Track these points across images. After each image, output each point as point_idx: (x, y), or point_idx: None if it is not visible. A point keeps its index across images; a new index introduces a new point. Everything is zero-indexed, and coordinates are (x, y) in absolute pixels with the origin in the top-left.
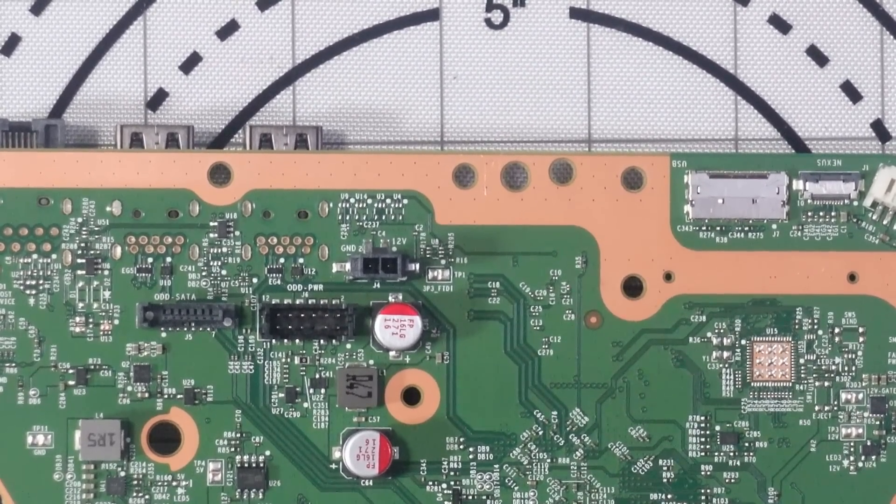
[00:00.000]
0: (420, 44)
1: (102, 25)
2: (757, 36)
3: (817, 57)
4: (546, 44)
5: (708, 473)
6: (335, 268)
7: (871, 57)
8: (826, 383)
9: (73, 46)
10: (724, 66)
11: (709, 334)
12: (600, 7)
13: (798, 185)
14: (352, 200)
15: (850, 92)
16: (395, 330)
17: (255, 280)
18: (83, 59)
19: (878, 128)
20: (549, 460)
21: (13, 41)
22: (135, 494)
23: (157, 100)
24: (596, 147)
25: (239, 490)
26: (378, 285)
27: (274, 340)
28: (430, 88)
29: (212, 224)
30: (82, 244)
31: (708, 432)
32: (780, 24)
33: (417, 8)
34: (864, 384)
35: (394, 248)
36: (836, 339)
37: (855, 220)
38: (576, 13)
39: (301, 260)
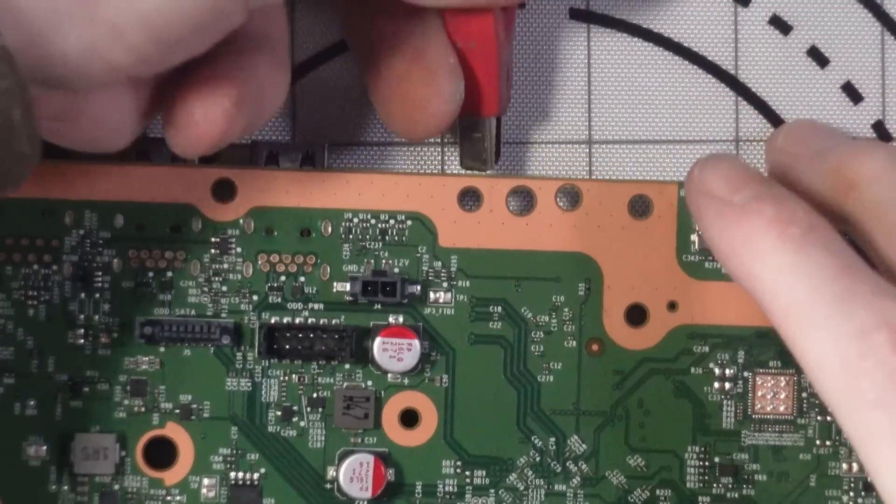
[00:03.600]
0: None
1: None
2: (757, 37)
3: (818, 58)
4: (546, 45)
5: None
6: (336, 287)
7: (871, 58)
8: (828, 418)
9: None
10: (724, 67)
11: (711, 365)
12: (600, 8)
13: None
14: (355, 220)
15: (851, 93)
16: (393, 353)
17: (255, 297)
18: None
19: (880, 129)
20: (545, 487)
21: None
22: None
23: None
24: (596, 147)
25: None
26: (379, 306)
27: (273, 359)
28: None
29: (213, 240)
30: (83, 256)
31: (707, 463)
32: (781, 25)
33: None
34: None
35: (395, 270)
36: None
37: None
38: (575, 14)
39: (302, 278)
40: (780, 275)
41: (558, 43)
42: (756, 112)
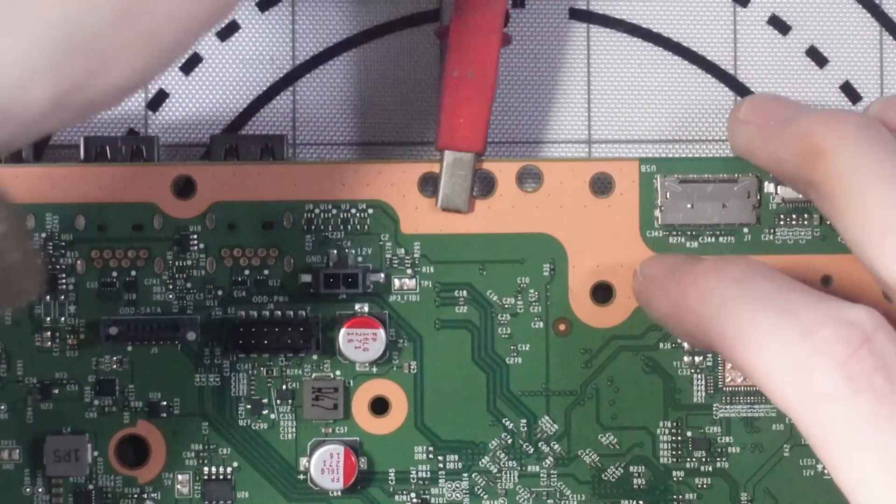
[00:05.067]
0: (420, 44)
1: None
2: (756, 37)
3: (817, 58)
4: (546, 45)
5: (679, 479)
6: (301, 279)
7: (870, 58)
8: None
9: None
10: (723, 67)
11: (679, 340)
12: (600, 8)
13: (769, 188)
14: (316, 211)
15: (850, 93)
16: (359, 343)
17: (220, 292)
18: None
19: None
20: (518, 468)
21: None
22: None
23: (158, 100)
24: (596, 147)
25: (207, 502)
26: (344, 296)
27: (240, 354)
28: (430, 89)
29: (175, 237)
30: (47, 259)
31: (679, 438)
32: (780, 25)
33: (417, 8)
34: None
35: (359, 259)
36: None
37: (828, 223)
38: (575, 14)
39: (266, 271)
40: (723, 308)
41: (558, 43)
42: None
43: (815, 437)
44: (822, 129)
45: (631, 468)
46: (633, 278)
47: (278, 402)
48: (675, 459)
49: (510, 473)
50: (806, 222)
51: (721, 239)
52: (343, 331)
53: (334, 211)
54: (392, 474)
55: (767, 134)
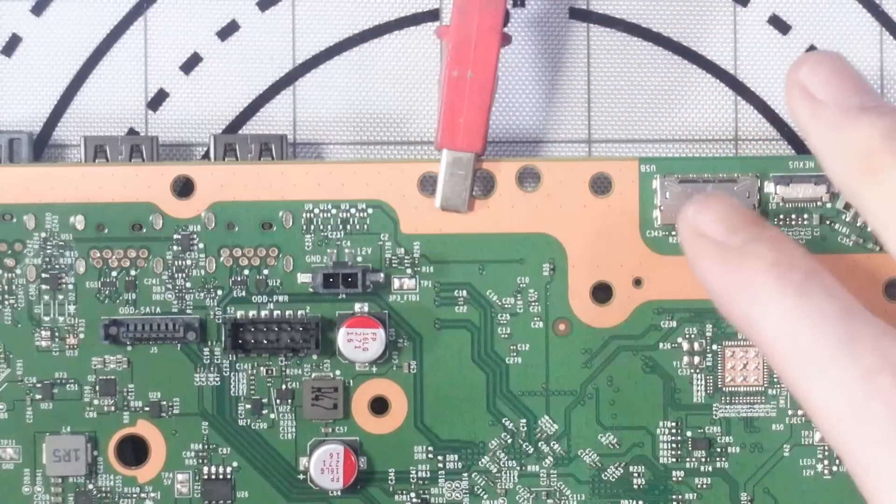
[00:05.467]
0: (420, 44)
1: (103, 26)
2: (757, 36)
3: None
4: (546, 45)
5: (679, 479)
6: (300, 279)
7: (870, 57)
8: None
9: (73, 47)
10: (723, 67)
11: (679, 340)
12: (600, 7)
13: (769, 188)
14: (316, 211)
15: None
16: (358, 343)
17: (219, 292)
18: (84, 60)
19: None
20: (518, 468)
21: (14, 42)
22: None
23: (158, 100)
24: (596, 147)
25: (206, 502)
26: (344, 296)
27: (240, 354)
28: (430, 89)
29: (175, 237)
30: (46, 259)
31: (679, 438)
32: (780, 25)
33: (417, 8)
34: None
35: (359, 259)
36: None
37: (828, 223)
38: (576, 13)
39: (266, 271)
40: (781, 320)
41: (558, 43)
42: (755, 111)
43: (865, 481)
44: (881, 144)
45: (631, 468)
46: (680, 219)
47: (278, 401)
48: (674, 459)
49: (510, 473)
50: (806, 222)
51: None
52: (343, 330)
53: (334, 211)
54: (392, 474)
55: (825, 125)
